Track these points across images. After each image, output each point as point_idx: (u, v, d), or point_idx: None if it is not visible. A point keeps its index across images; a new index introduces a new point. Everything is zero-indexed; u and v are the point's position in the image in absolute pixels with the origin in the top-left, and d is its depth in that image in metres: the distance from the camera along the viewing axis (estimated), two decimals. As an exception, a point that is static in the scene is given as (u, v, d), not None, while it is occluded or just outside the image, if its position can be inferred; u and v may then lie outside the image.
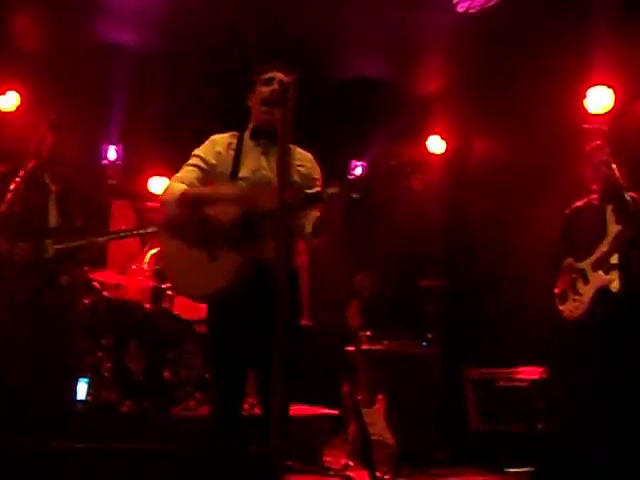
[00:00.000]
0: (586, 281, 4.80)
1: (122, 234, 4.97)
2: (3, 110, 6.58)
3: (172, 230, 3.49)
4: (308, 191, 3.46)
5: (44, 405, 4.48)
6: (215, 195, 3.40)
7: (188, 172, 3.51)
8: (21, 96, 6.59)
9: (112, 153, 7.21)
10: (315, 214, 3.46)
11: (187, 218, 3.41)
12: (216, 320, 3.51)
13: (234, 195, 3.37)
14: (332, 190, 3.34)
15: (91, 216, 4.98)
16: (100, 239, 4.84)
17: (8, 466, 2.61)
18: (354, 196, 3.33)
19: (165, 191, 3.52)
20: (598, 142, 4.71)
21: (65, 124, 4.62)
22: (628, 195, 4.57)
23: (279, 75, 3.46)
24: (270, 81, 3.49)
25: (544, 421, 5.64)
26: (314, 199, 3.42)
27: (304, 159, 3.57)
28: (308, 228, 3.47)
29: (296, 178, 3.45)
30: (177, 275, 3.52)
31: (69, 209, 4.75)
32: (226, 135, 3.59)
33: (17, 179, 4.19)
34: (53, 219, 4.69)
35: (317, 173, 3.65)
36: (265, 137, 3.53)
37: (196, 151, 3.57)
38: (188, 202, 3.40)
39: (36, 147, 4.36)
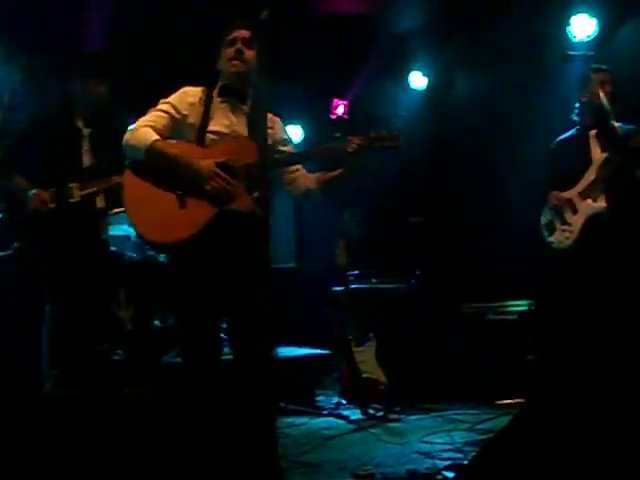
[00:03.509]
0: (574, 210, 4.80)
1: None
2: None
3: (138, 171, 3.35)
4: (329, 146, 3.45)
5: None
6: (181, 161, 3.27)
7: (158, 117, 3.40)
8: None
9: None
10: (301, 173, 3.55)
11: (155, 164, 3.31)
12: (180, 270, 3.41)
13: (201, 167, 3.25)
14: (358, 142, 3.35)
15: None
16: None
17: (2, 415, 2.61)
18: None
19: (133, 133, 3.35)
20: (602, 66, 4.70)
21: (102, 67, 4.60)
22: (614, 122, 4.54)
23: (241, 33, 3.44)
24: (233, 42, 3.46)
25: (534, 353, 5.69)
26: (335, 152, 3.42)
27: (272, 121, 3.49)
28: (311, 185, 3.53)
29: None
30: (141, 218, 3.32)
31: (103, 148, 4.59)
32: (198, 89, 3.52)
33: None
34: (87, 158, 4.59)
35: (286, 134, 3.68)
36: (233, 95, 3.50)
37: (167, 99, 3.47)
38: (156, 155, 3.28)
39: (10, 97, 4.31)
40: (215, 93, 3.52)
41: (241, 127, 3.47)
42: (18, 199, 4.46)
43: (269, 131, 3.37)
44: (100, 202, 4.57)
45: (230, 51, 3.45)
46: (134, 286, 5.55)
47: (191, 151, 3.35)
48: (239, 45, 3.41)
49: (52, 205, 4.41)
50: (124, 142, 3.36)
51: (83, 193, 4.46)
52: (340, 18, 6.79)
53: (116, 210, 4.83)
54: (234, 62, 3.42)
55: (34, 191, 4.41)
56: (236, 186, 3.24)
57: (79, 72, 4.61)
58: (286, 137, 3.66)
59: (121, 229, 6.15)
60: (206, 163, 3.26)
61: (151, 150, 3.28)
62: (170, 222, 3.25)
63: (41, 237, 4.48)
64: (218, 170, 3.25)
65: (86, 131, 4.64)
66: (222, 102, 3.49)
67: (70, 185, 4.45)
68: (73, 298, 4.47)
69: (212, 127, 3.43)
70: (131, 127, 3.42)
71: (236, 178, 3.25)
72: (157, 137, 3.31)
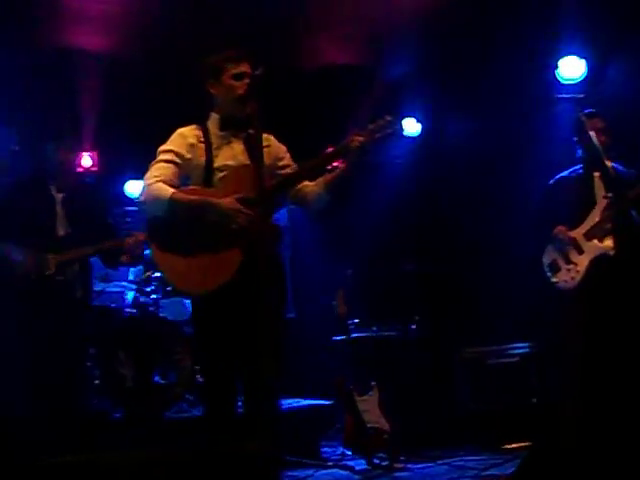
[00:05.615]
0: (580, 251, 4.75)
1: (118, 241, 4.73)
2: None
3: (157, 235, 3.40)
4: (333, 149, 3.49)
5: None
6: (205, 205, 3.32)
7: (164, 169, 3.40)
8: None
9: (87, 160, 7.16)
10: (305, 183, 3.58)
11: (176, 219, 3.34)
12: (205, 315, 3.45)
13: (225, 207, 3.30)
14: (360, 138, 3.41)
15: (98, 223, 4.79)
16: (101, 246, 4.60)
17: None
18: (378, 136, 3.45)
19: (148, 192, 3.37)
20: (591, 110, 4.72)
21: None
22: (608, 163, 4.54)
23: (248, 67, 3.43)
24: (241, 76, 3.44)
25: (537, 395, 5.65)
26: (340, 153, 3.49)
27: (267, 139, 3.52)
28: (319, 190, 3.56)
29: (265, 159, 3.37)
30: (177, 278, 3.42)
31: (77, 216, 4.60)
32: (192, 127, 3.53)
33: None
34: (61, 224, 4.56)
35: (282, 149, 3.68)
36: (233, 126, 3.51)
37: (166, 146, 3.47)
38: (177, 205, 3.31)
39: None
40: (213, 126, 3.52)
41: (244, 155, 3.48)
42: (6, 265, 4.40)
43: (267, 149, 3.43)
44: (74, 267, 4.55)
45: (240, 87, 3.42)
46: (133, 342, 5.53)
47: (208, 194, 3.39)
48: (248, 81, 3.37)
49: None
50: (144, 203, 3.40)
51: (58, 263, 4.42)
52: (332, 69, 6.88)
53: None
54: (246, 100, 3.35)
55: (24, 256, 4.36)
56: (254, 216, 3.25)
57: (50, 137, 4.61)
58: (283, 152, 3.66)
59: (119, 285, 6.16)
60: (228, 201, 3.30)
61: (172, 202, 3.30)
62: (203, 274, 3.32)
63: (18, 308, 4.40)
64: (239, 206, 3.28)
65: (59, 196, 4.61)
66: (223, 135, 3.50)
67: (46, 256, 4.40)
68: (63, 360, 4.42)
69: (218, 163, 3.44)
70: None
71: (252, 207, 3.25)
72: (173, 190, 3.34)
